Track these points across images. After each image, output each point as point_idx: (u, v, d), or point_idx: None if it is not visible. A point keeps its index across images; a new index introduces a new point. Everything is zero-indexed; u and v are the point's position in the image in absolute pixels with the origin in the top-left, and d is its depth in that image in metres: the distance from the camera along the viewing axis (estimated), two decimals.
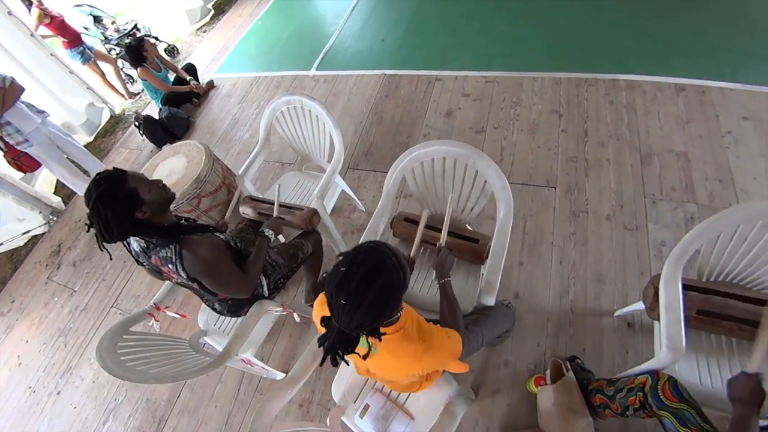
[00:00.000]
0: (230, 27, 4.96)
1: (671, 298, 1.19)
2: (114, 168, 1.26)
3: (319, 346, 0.81)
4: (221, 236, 1.50)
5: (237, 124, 3.49)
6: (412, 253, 1.38)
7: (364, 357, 0.89)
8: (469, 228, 1.68)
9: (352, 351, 0.83)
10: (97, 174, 1.22)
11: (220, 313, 1.69)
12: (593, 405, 1.50)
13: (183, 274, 1.32)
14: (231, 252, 1.51)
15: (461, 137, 2.64)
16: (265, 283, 1.65)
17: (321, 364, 0.79)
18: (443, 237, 1.37)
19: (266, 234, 1.61)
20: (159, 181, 1.36)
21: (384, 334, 0.89)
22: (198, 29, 5.27)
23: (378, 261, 0.81)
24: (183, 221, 1.51)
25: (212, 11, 5.39)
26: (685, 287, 1.27)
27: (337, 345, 0.80)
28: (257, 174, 2.94)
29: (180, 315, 1.85)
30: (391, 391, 1.43)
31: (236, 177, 1.99)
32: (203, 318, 1.85)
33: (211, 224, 1.80)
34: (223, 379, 2.10)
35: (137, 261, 1.41)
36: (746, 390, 1.03)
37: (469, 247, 1.53)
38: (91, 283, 2.89)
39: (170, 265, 1.32)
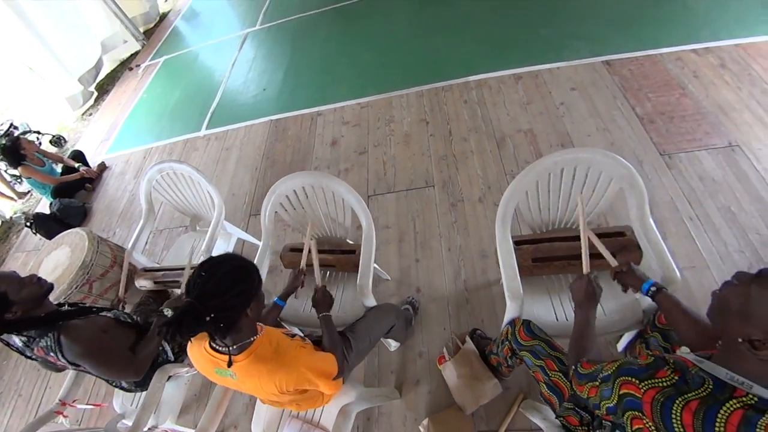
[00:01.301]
0: (116, 105, 4.91)
1: (504, 254, 1.40)
2: None
3: (159, 330, 0.86)
4: (109, 314, 1.51)
5: (135, 200, 3.45)
6: (301, 265, 1.50)
7: (229, 365, 0.97)
8: (350, 242, 1.83)
9: (196, 329, 0.88)
10: None
11: (128, 390, 1.67)
12: (494, 366, 1.67)
13: (64, 360, 1.32)
14: (125, 328, 1.52)
15: (348, 161, 2.84)
16: (168, 348, 1.67)
17: (165, 337, 0.84)
18: (317, 277, 1.46)
19: (164, 313, 1.59)
20: (33, 276, 1.37)
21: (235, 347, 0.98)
22: (83, 114, 5.13)
23: (241, 257, 1.01)
24: (65, 306, 1.50)
25: (95, 93, 5.29)
26: (519, 243, 1.50)
27: (182, 318, 0.85)
28: (164, 242, 2.93)
29: (94, 405, 1.80)
30: (306, 413, 1.50)
31: (126, 252, 2.00)
32: (119, 401, 1.80)
33: (106, 305, 1.80)
34: None
35: (24, 355, 1.39)
36: (581, 292, 1.12)
37: (349, 259, 1.67)
38: (7, 403, 2.66)
39: (52, 354, 1.32)
